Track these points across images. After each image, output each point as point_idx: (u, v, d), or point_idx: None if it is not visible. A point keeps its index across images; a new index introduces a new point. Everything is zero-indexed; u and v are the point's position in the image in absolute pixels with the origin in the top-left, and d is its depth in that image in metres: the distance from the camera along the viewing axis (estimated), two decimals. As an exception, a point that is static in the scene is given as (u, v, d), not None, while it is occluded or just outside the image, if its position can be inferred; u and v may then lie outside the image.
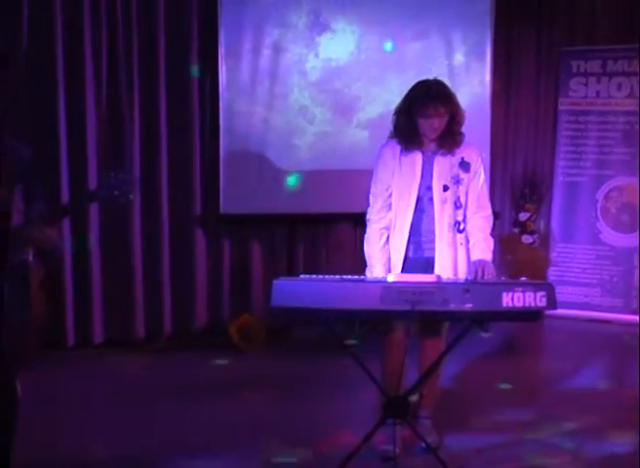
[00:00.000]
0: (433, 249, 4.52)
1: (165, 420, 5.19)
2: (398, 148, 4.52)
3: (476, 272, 4.36)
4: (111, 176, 3.80)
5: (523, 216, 8.04)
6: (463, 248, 4.54)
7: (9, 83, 3.80)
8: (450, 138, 4.49)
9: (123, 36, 6.56)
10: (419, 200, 4.49)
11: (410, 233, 4.51)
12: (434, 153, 4.51)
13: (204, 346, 6.89)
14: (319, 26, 6.94)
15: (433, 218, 4.50)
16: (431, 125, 4.42)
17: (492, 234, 4.64)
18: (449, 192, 4.45)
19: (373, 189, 4.62)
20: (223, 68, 6.80)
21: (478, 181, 4.57)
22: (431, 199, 4.49)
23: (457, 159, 4.48)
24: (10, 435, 3.99)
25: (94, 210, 6.58)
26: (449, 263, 4.48)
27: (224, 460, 4.59)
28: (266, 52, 6.88)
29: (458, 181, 4.47)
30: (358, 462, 4.12)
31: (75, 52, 6.44)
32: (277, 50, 6.89)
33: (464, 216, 4.52)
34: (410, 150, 4.50)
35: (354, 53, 7.03)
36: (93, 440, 4.84)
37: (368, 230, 4.62)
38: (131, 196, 3.84)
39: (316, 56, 6.98)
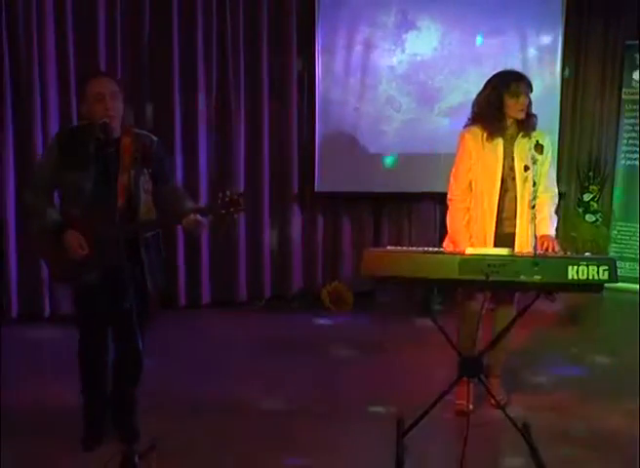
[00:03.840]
0: (512, 225, 4.49)
1: (262, 372, 5.28)
2: (480, 133, 4.47)
3: (542, 245, 4.29)
4: (220, 197, 3.79)
5: (587, 197, 7.91)
6: (534, 222, 4.49)
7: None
8: (528, 120, 4.44)
9: (232, 35, 6.63)
10: (503, 180, 4.45)
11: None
12: (513, 137, 4.46)
13: (298, 308, 6.95)
14: (406, 25, 6.91)
15: (514, 197, 4.46)
16: (519, 102, 4.37)
17: (556, 212, 4.60)
18: (529, 172, 4.39)
19: (454, 170, 4.58)
20: (320, 63, 6.84)
21: (549, 163, 4.53)
22: (514, 178, 4.45)
23: (532, 142, 4.42)
24: (136, 384, 4.11)
25: (203, 186, 6.67)
26: (528, 238, 4.44)
27: (311, 410, 4.66)
28: (358, 48, 6.89)
29: (534, 162, 4.40)
30: (435, 415, 4.13)
31: (189, 48, 6.54)
32: (368, 46, 6.89)
33: (536, 194, 4.46)
34: (493, 135, 4.44)
35: (437, 48, 6.98)
36: (203, 387, 4.96)
37: (451, 209, 4.59)
38: (235, 216, 3.85)
39: (403, 51, 6.96)
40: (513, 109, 4.40)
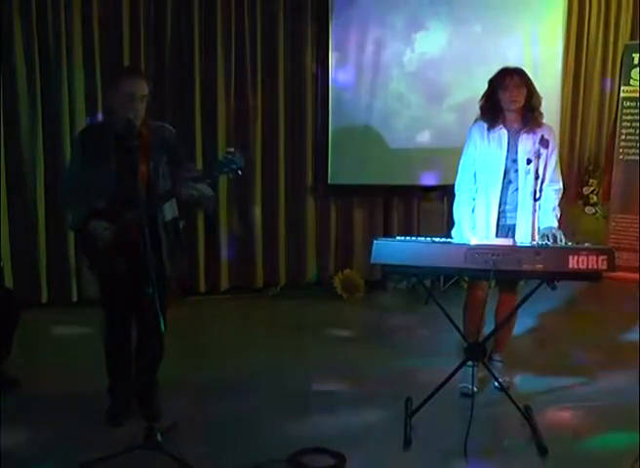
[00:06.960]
0: (514, 217, 4.46)
1: (276, 354, 5.31)
2: (485, 126, 4.47)
3: (547, 237, 4.27)
4: (225, 156, 3.78)
5: (587, 190, 7.89)
6: (537, 214, 4.47)
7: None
8: (530, 115, 4.42)
9: (250, 36, 6.61)
10: (506, 172, 4.43)
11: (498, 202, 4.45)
12: (518, 131, 4.43)
13: (312, 295, 6.95)
14: (415, 25, 6.86)
15: (517, 189, 4.44)
16: (510, 94, 4.35)
17: (559, 204, 4.56)
18: (531, 165, 4.37)
19: (461, 162, 4.57)
20: (334, 62, 6.79)
21: (553, 157, 4.50)
22: (517, 170, 4.43)
23: (538, 136, 4.41)
24: (157, 367, 4.14)
25: (223, 177, 6.66)
26: (528, 229, 4.43)
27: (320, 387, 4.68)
28: (370, 47, 6.83)
29: (538, 156, 4.39)
30: (441, 397, 4.13)
31: (208, 47, 6.52)
32: (379, 46, 6.84)
33: (540, 187, 4.44)
34: (495, 126, 4.43)
35: (445, 47, 6.93)
36: (222, 365, 5.03)
37: (458, 198, 4.58)
38: (240, 173, 3.80)
39: (412, 50, 6.90)
40: (505, 101, 4.39)
